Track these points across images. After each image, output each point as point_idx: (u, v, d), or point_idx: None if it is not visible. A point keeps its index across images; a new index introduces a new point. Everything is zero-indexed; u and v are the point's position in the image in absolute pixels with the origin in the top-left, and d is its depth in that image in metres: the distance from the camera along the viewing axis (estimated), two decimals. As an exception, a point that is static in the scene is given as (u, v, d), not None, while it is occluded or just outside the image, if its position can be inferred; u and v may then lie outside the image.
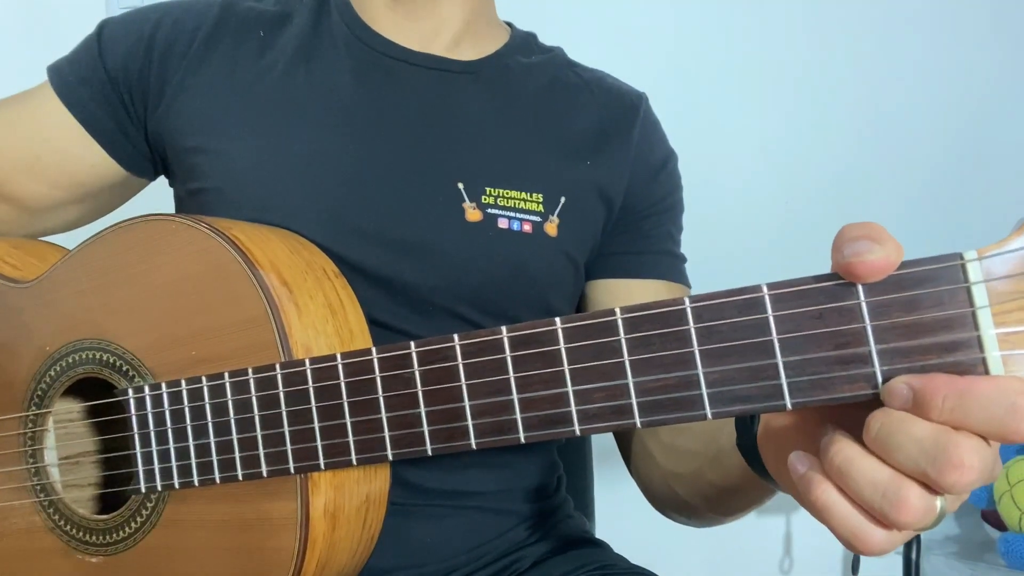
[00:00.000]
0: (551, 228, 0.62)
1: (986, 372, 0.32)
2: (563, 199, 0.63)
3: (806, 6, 1.24)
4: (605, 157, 0.66)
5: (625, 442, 0.67)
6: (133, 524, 0.52)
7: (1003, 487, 1.10)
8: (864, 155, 1.23)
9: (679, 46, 1.25)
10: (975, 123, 1.22)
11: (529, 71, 0.68)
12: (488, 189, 0.61)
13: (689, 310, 0.37)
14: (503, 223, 0.60)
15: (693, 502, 0.57)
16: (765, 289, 0.36)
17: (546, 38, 0.73)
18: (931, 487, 0.32)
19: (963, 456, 0.31)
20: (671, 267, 0.68)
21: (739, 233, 1.21)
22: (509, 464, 0.65)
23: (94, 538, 0.54)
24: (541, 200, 0.62)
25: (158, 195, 0.72)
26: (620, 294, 0.66)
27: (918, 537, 1.08)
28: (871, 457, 0.33)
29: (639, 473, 0.65)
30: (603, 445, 0.86)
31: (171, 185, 0.68)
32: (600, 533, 0.74)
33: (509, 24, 0.73)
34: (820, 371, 0.35)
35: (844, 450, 0.34)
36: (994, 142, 1.21)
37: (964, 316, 0.33)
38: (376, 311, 0.58)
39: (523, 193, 0.61)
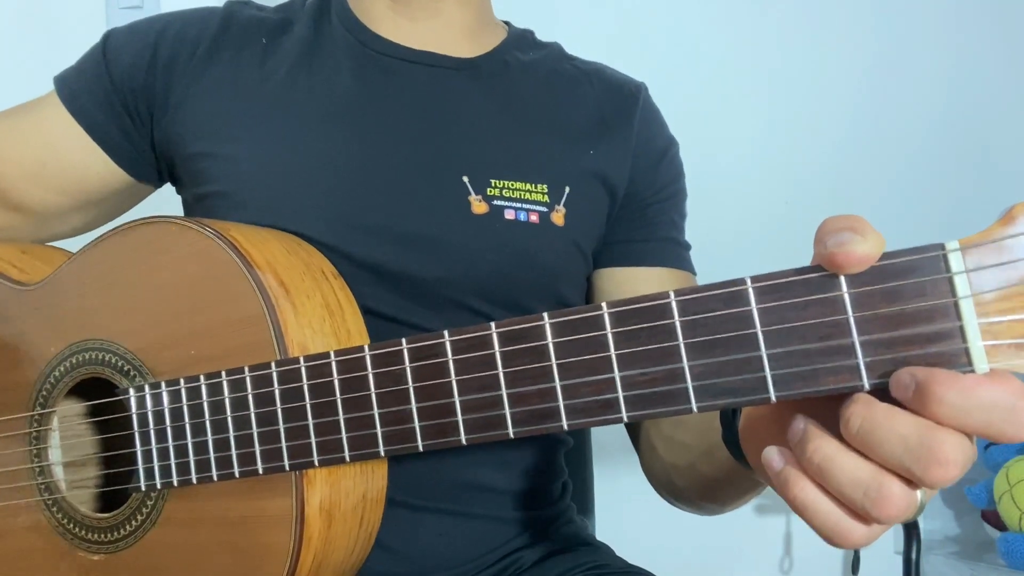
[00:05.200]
0: (557, 218, 0.63)
1: (969, 362, 0.32)
2: (567, 189, 0.64)
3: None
4: (607, 146, 0.66)
5: (635, 434, 0.67)
6: (134, 522, 0.53)
7: (1003, 487, 1.10)
8: (864, 151, 1.23)
9: (677, 39, 1.25)
10: (976, 120, 1.22)
11: (527, 66, 0.69)
12: (493, 181, 0.61)
13: (674, 304, 0.37)
14: (510, 214, 0.61)
15: (689, 492, 0.58)
16: (749, 282, 0.36)
17: (543, 35, 0.74)
18: (914, 483, 0.32)
19: (948, 453, 0.30)
20: (675, 254, 0.69)
21: (739, 229, 1.21)
22: (519, 462, 0.66)
23: (96, 536, 0.55)
24: (546, 190, 0.63)
25: (167, 200, 0.73)
26: (625, 282, 0.67)
27: (918, 537, 1.08)
28: (851, 453, 0.33)
29: (645, 463, 0.66)
30: (603, 447, 0.86)
31: (178, 192, 0.70)
32: (600, 533, 0.75)
33: (506, 23, 0.74)
34: (804, 363, 0.35)
35: (823, 448, 0.33)
36: (994, 140, 1.21)
37: (947, 306, 0.33)
38: (385, 306, 0.59)
39: (528, 184, 0.62)
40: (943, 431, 0.31)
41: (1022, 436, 0.30)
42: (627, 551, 0.67)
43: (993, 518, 1.15)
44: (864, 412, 0.32)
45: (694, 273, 0.69)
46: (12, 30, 1.14)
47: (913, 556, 1.06)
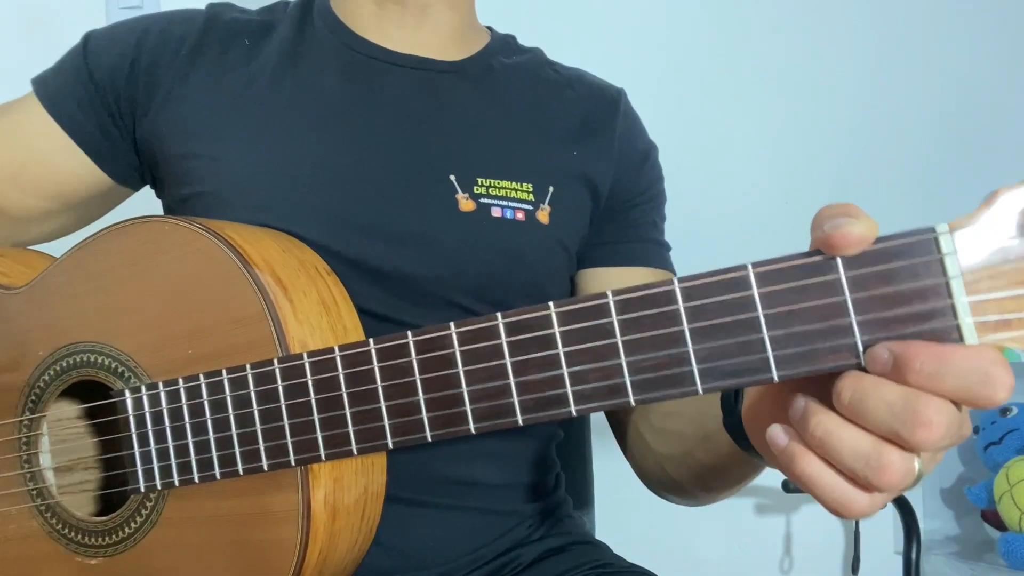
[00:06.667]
0: (543, 216, 0.64)
1: (960, 338, 0.34)
2: (552, 188, 0.65)
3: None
4: (590, 148, 0.68)
5: (620, 429, 0.68)
6: (133, 524, 0.53)
7: (1003, 487, 1.11)
8: (864, 149, 1.25)
9: (675, 37, 1.25)
10: (977, 116, 1.24)
11: (511, 70, 0.70)
12: (479, 180, 0.62)
13: (678, 290, 0.38)
14: (496, 212, 0.62)
15: (684, 482, 0.58)
16: (750, 268, 0.37)
17: (525, 39, 0.75)
18: (904, 447, 0.34)
19: (931, 415, 0.33)
20: (657, 255, 0.71)
21: (739, 228, 1.22)
22: (512, 456, 0.66)
23: (93, 540, 0.54)
24: (531, 189, 0.64)
25: (144, 204, 0.72)
26: (609, 282, 0.68)
27: (918, 537, 1.08)
28: (850, 426, 0.35)
29: (634, 457, 0.66)
30: (603, 446, 0.87)
31: (158, 196, 0.69)
32: (600, 533, 0.75)
33: (489, 28, 0.75)
34: (805, 343, 0.36)
35: (824, 422, 0.35)
36: (994, 136, 1.23)
37: (938, 286, 0.34)
38: (375, 304, 0.59)
39: (513, 183, 0.63)
40: (925, 395, 0.33)
41: (996, 400, 0.32)
42: (627, 550, 0.68)
43: (993, 518, 1.15)
44: (854, 384, 0.35)
45: (674, 272, 0.72)
46: (12, 30, 1.12)
47: (913, 556, 1.06)
